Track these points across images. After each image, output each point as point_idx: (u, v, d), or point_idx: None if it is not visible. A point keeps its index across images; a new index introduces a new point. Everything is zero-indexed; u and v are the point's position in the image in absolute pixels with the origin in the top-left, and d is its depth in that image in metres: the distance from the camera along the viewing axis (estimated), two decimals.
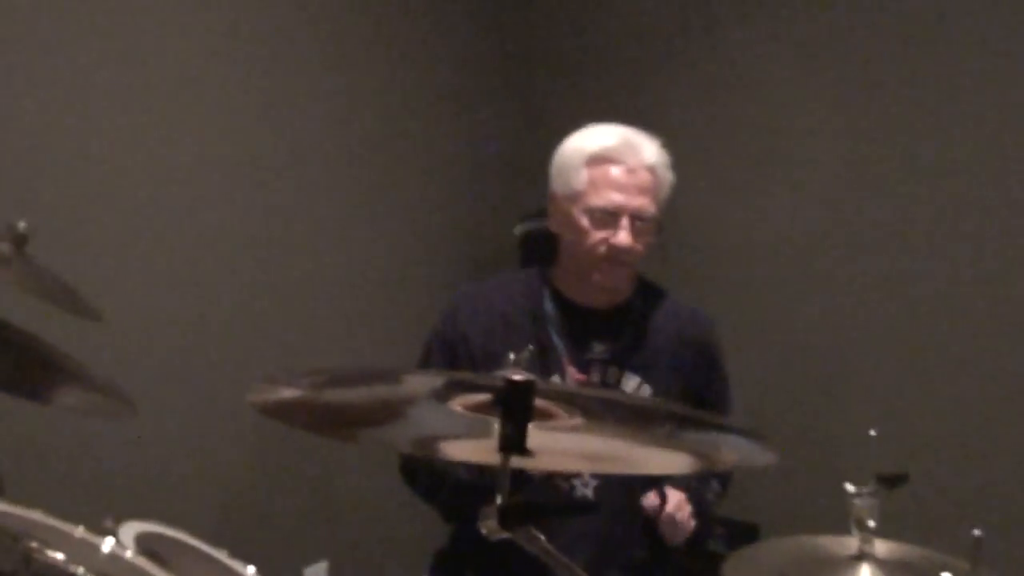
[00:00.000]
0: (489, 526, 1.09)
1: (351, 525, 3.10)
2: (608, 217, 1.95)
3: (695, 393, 2.08)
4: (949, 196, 2.83)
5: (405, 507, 3.14)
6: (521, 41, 3.49)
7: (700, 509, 2.03)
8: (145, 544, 1.51)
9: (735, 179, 3.07)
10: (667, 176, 2.01)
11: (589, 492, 1.95)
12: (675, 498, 1.95)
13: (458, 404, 1.16)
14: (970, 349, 2.82)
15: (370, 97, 3.06)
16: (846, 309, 2.98)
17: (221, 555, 1.66)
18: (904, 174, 2.88)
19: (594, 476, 1.96)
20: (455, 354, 2.05)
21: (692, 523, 1.97)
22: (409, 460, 2.07)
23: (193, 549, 1.65)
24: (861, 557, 1.63)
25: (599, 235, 1.96)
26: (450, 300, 2.13)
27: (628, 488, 2.00)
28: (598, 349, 2.03)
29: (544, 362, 2.00)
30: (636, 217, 1.95)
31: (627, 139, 1.98)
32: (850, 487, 1.60)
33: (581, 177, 1.99)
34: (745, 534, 2.72)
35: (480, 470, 1.91)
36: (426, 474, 2.02)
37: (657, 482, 2.02)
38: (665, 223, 2.04)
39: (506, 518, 1.07)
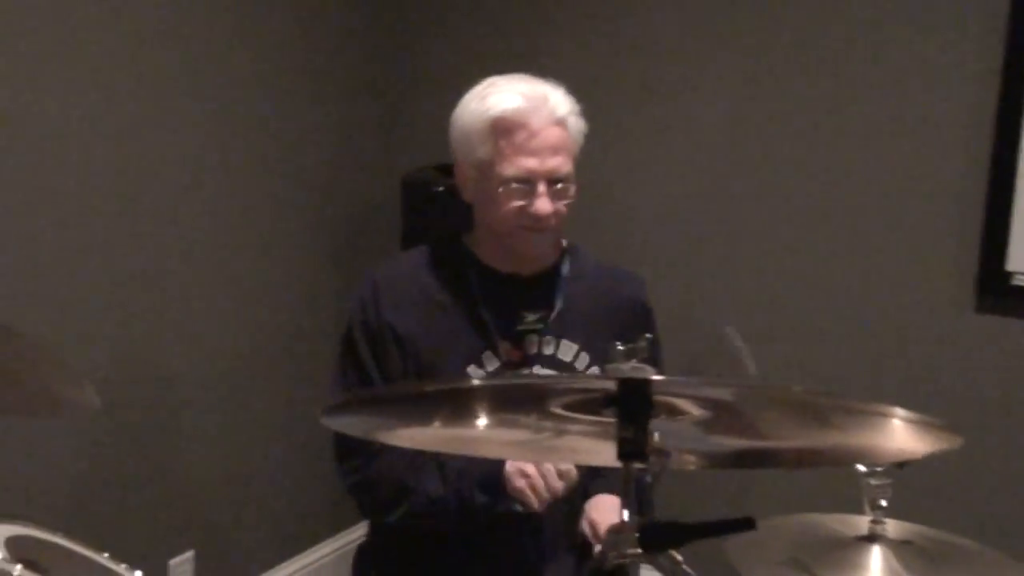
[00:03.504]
0: (620, 547, 0.93)
1: (215, 514, 2.89)
2: (522, 185, 1.81)
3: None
4: (834, 164, 2.83)
5: (268, 495, 2.99)
6: None
7: (641, 501, 1.94)
8: (17, 549, 1.30)
9: (619, 137, 2.97)
10: (578, 125, 1.87)
11: None
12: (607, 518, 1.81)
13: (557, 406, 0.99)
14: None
15: (234, 61, 2.78)
16: (732, 274, 2.95)
17: (102, 558, 1.45)
18: (792, 136, 2.87)
19: None
20: (382, 344, 1.88)
21: None
22: (367, 472, 1.87)
23: (72, 553, 1.44)
24: (872, 538, 1.57)
25: (515, 205, 1.82)
26: (366, 283, 1.94)
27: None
28: (530, 319, 1.90)
29: (474, 338, 1.88)
30: (552, 180, 1.81)
31: (531, 97, 1.82)
32: (862, 467, 1.54)
33: (486, 146, 1.83)
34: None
35: (455, 485, 1.79)
36: (390, 487, 1.85)
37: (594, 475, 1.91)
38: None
39: (650, 540, 0.92)
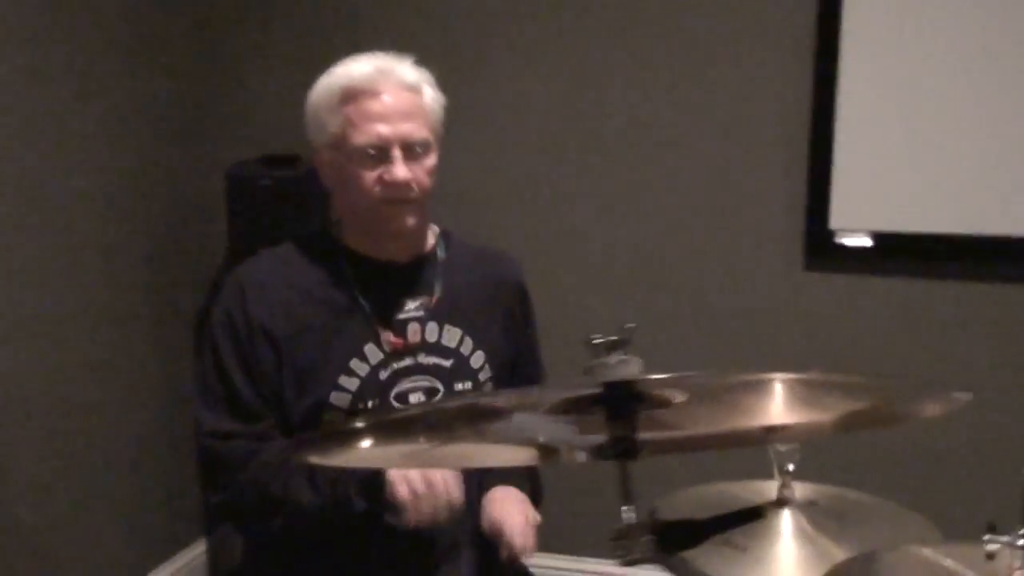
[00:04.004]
0: (632, 549, 0.89)
1: (42, 545, 2.65)
2: (376, 153, 1.75)
3: (516, 337, 1.96)
4: (663, 138, 2.89)
5: (99, 519, 2.79)
6: None
7: (534, 482, 1.93)
8: None
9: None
10: (433, 95, 1.82)
11: None
12: (517, 519, 1.77)
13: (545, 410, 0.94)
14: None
15: (30, 49, 2.54)
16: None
17: None
18: (621, 112, 2.90)
19: None
20: (252, 348, 1.77)
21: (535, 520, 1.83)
22: (234, 488, 1.76)
23: None
24: (782, 502, 1.60)
25: (372, 175, 1.75)
26: (229, 285, 1.83)
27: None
28: (411, 306, 1.84)
29: (354, 331, 1.80)
30: (407, 145, 1.75)
31: (379, 66, 1.78)
32: None
33: (337, 119, 1.77)
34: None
35: (329, 492, 1.70)
36: (260, 501, 1.74)
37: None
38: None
39: (669, 541, 0.88)
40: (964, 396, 0.90)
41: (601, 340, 0.91)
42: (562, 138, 2.95)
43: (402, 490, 1.65)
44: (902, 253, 2.75)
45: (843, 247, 2.77)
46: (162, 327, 3.01)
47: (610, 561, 3.06)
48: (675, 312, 2.92)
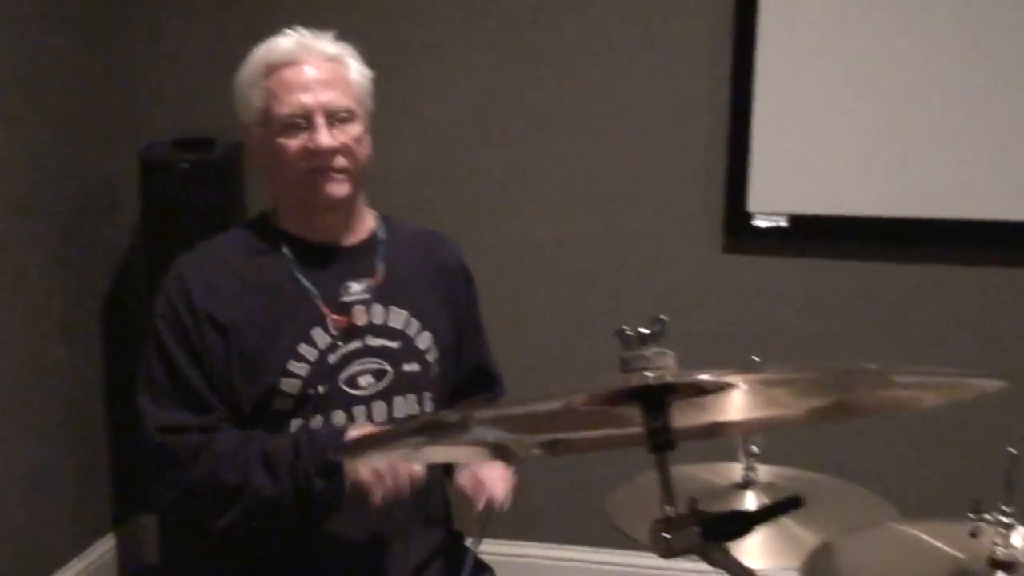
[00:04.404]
0: (676, 541, 0.89)
1: None
2: (300, 122, 1.75)
3: (460, 318, 1.96)
4: (586, 120, 2.90)
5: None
6: None
7: None
8: None
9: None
10: (357, 67, 1.83)
11: None
12: (496, 473, 1.77)
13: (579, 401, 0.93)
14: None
15: None
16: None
17: None
18: (542, 93, 2.90)
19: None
20: (200, 337, 1.74)
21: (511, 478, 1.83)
22: (186, 483, 1.70)
23: None
24: (747, 484, 1.64)
25: (296, 144, 1.75)
26: (173, 274, 1.80)
27: None
28: (355, 289, 1.82)
29: (300, 315, 1.78)
30: (331, 113, 1.76)
31: (299, 40, 1.80)
32: None
33: (260, 93, 1.78)
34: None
35: (288, 478, 1.67)
36: (216, 493, 1.70)
37: None
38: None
39: (715, 533, 0.88)
40: (993, 383, 0.93)
41: (632, 332, 0.90)
42: (483, 120, 2.93)
43: (363, 470, 1.64)
44: (818, 235, 2.82)
45: (760, 229, 2.83)
46: (70, 315, 2.89)
47: (564, 545, 3.08)
48: (596, 295, 2.94)
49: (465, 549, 1.91)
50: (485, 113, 2.93)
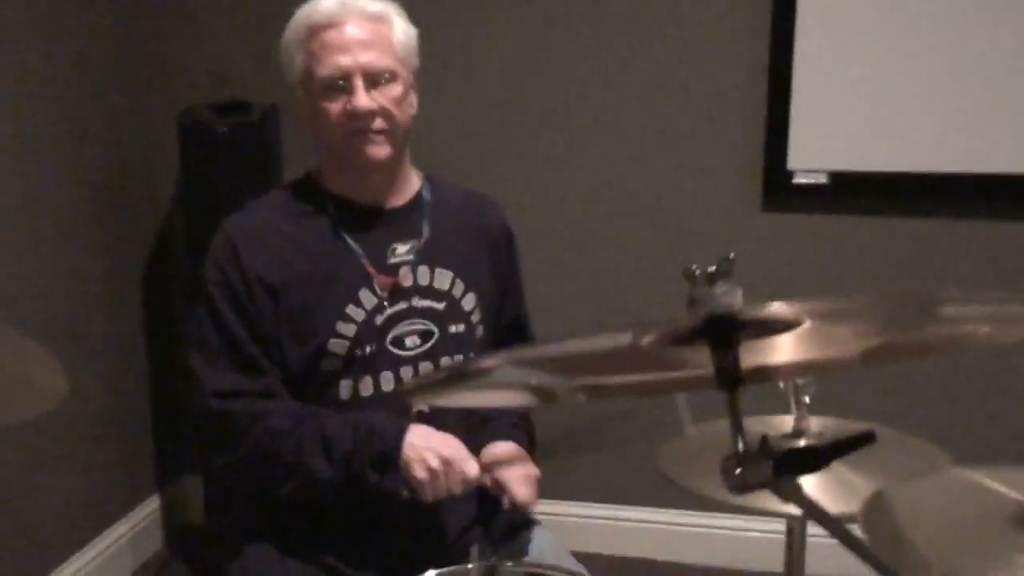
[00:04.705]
0: (748, 476, 0.89)
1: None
2: (340, 84, 1.74)
3: (504, 279, 1.96)
4: (625, 80, 2.88)
5: (49, 485, 2.70)
6: None
7: (530, 435, 1.93)
8: None
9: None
10: (402, 26, 1.80)
11: (424, 407, 1.77)
12: (517, 472, 1.75)
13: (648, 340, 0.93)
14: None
15: None
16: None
17: None
18: (582, 53, 2.89)
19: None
20: (251, 300, 1.75)
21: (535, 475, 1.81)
22: (241, 452, 1.72)
23: None
24: (798, 434, 1.63)
25: (336, 107, 1.74)
26: (220, 237, 1.80)
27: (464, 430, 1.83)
28: (401, 250, 1.82)
29: (346, 277, 1.78)
30: (370, 75, 1.74)
31: (342, 1, 1.77)
32: None
33: (302, 54, 1.78)
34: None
35: (344, 466, 1.69)
36: (272, 467, 1.72)
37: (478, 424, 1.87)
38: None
39: (787, 466, 0.88)
40: None
41: (700, 270, 0.90)
42: (524, 83, 2.92)
43: (418, 469, 1.66)
44: (858, 192, 2.80)
45: (801, 187, 2.81)
46: (110, 280, 2.91)
47: (612, 505, 3.08)
48: (637, 255, 2.94)
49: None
50: (526, 76, 2.92)
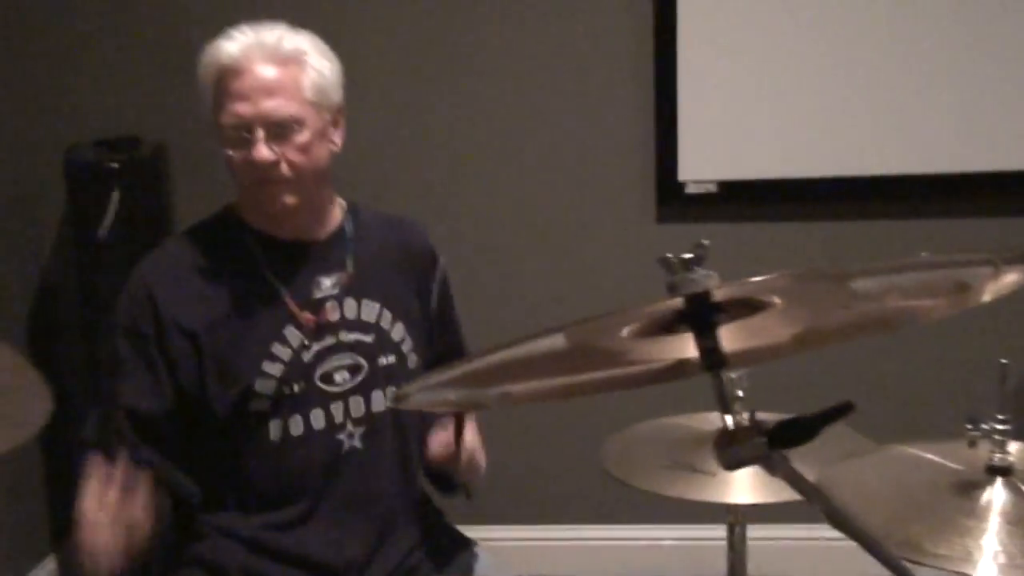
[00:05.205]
0: (741, 451, 0.91)
1: None
2: (241, 134, 1.69)
3: (431, 305, 1.92)
4: (521, 97, 2.92)
5: None
6: None
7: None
8: None
9: None
10: (317, 64, 1.72)
11: (357, 443, 1.77)
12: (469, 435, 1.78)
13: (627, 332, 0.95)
14: None
15: None
16: None
17: None
18: (479, 68, 2.91)
19: (358, 424, 1.77)
20: (165, 345, 1.71)
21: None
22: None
23: None
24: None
25: (239, 156, 1.70)
26: (135, 282, 1.76)
27: (398, 434, 1.83)
28: (326, 284, 1.79)
29: (271, 315, 1.74)
30: (271, 124, 1.68)
31: (246, 43, 1.70)
32: None
33: (210, 99, 1.73)
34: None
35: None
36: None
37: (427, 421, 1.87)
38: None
39: (780, 439, 0.91)
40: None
41: (675, 258, 0.93)
42: (416, 96, 2.92)
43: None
44: (748, 199, 2.89)
45: (692, 196, 2.89)
46: None
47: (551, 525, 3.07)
48: (533, 269, 2.97)
49: (447, 527, 1.91)
50: (417, 89, 2.91)
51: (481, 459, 1.83)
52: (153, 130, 2.76)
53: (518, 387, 1.16)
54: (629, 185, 2.92)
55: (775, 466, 0.93)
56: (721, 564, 1.80)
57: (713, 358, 0.94)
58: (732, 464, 0.94)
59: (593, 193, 2.94)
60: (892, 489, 1.45)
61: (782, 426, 0.93)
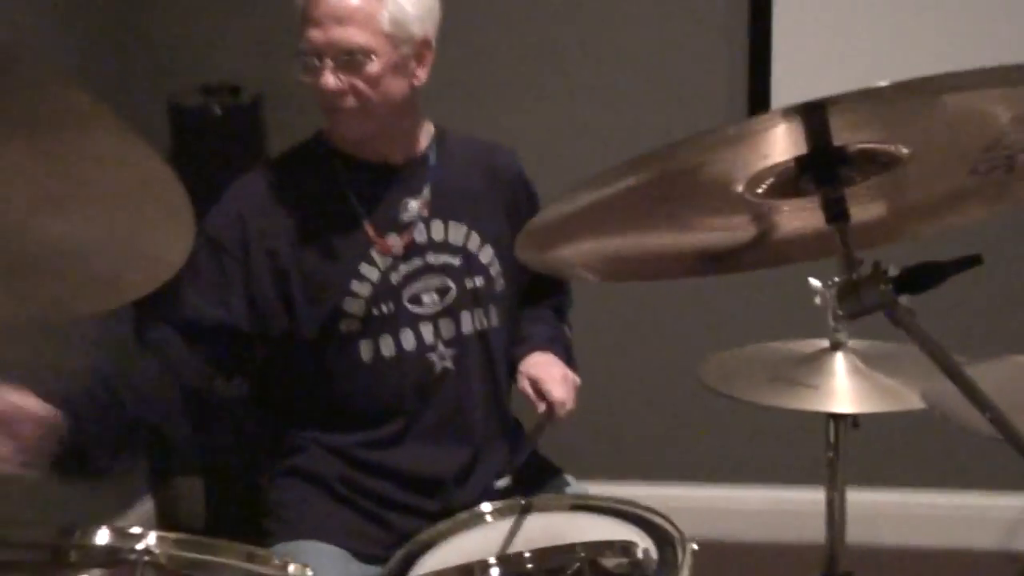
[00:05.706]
0: (867, 297, 0.89)
1: None
2: (312, 60, 1.68)
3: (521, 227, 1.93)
4: None
5: None
6: None
7: (568, 353, 1.93)
8: None
9: None
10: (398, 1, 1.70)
11: (449, 364, 1.79)
12: (556, 373, 1.79)
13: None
14: None
15: None
16: None
17: None
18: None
19: (448, 345, 1.79)
20: (242, 263, 1.73)
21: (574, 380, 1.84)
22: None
23: None
24: (836, 346, 1.66)
25: (311, 81, 1.70)
26: (227, 202, 1.77)
27: (487, 358, 1.85)
28: (413, 206, 1.80)
29: (357, 236, 1.76)
30: (340, 52, 1.66)
31: None
32: (815, 281, 1.60)
33: (297, 20, 1.72)
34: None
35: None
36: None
37: (516, 343, 1.89)
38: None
39: (909, 283, 0.90)
40: None
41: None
42: (499, 40, 2.94)
43: None
44: None
45: None
46: None
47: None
48: None
49: (537, 454, 1.91)
50: (519, 27, 2.94)
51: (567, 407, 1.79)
52: (253, 81, 2.81)
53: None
54: (720, 110, 2.87)
55: (900, 316, 0.92)
56: (819, 529, 1.76)
57: (835, 209, 0.92)
58: (856, 311, 0.93)
59: (684, 118, 2.88)
60: (1008, 396, 1.42)
61: (909, 271, 0.91)
